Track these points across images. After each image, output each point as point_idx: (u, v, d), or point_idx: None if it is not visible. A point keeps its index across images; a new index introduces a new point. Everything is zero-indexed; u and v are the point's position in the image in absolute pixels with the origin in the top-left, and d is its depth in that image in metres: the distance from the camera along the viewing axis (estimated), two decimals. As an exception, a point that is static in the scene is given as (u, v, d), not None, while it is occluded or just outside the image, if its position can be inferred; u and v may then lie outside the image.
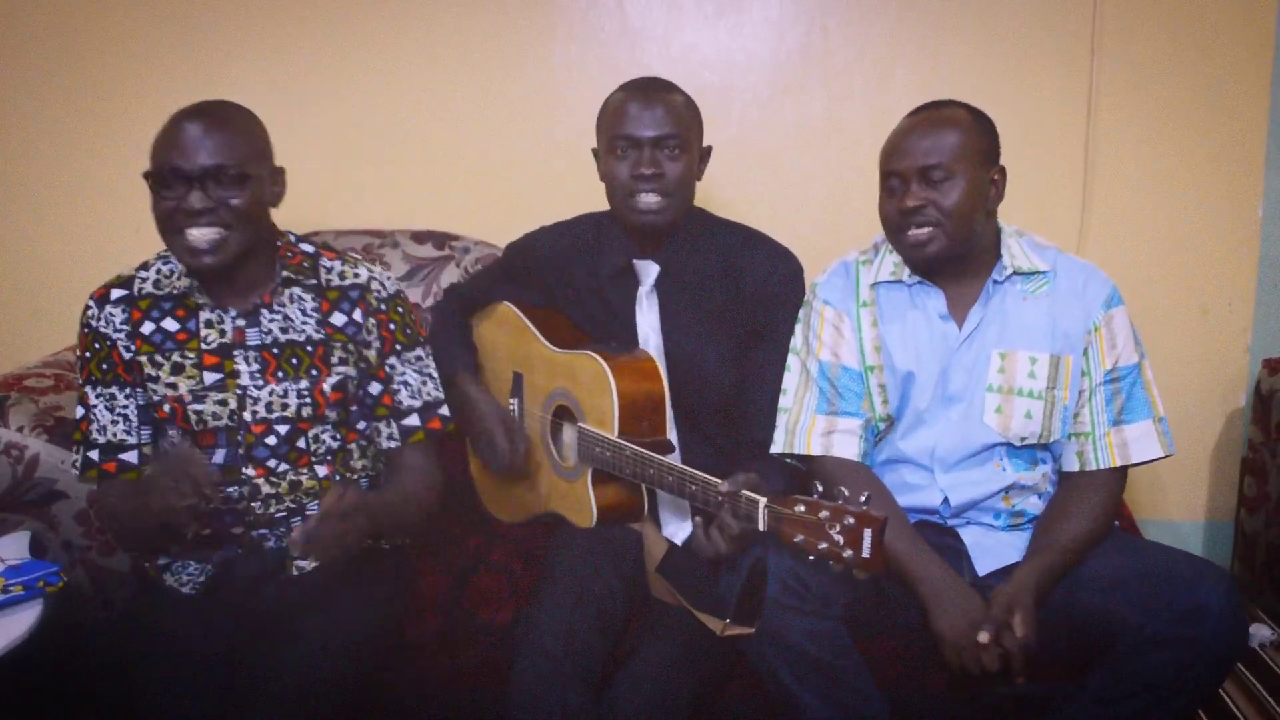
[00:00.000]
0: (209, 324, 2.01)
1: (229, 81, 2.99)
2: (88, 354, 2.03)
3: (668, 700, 1.95)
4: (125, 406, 2.02)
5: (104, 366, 2.02)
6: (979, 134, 2.05)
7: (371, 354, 2.09)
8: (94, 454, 2.02)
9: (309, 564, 2.05)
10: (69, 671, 1.82)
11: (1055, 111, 2.95)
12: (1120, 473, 2.09)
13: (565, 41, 2.96)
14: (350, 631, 1.91)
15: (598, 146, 2.25)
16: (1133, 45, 2.92)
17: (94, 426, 2.02)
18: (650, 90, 2.19)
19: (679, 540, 2.25)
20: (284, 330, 2.03)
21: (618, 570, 2.16)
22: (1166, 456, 2.10)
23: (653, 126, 2.15)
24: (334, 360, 2.06)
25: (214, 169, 1.88)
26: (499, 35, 2.97)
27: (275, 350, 2.02)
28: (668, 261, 2.26)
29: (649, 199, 2.16)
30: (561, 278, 2.38)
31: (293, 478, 2.05)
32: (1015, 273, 2.09)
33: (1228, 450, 3.11)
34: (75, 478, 2.05)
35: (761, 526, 1.82)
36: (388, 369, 2.10)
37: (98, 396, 2.02)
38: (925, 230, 2.01)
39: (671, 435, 2.22)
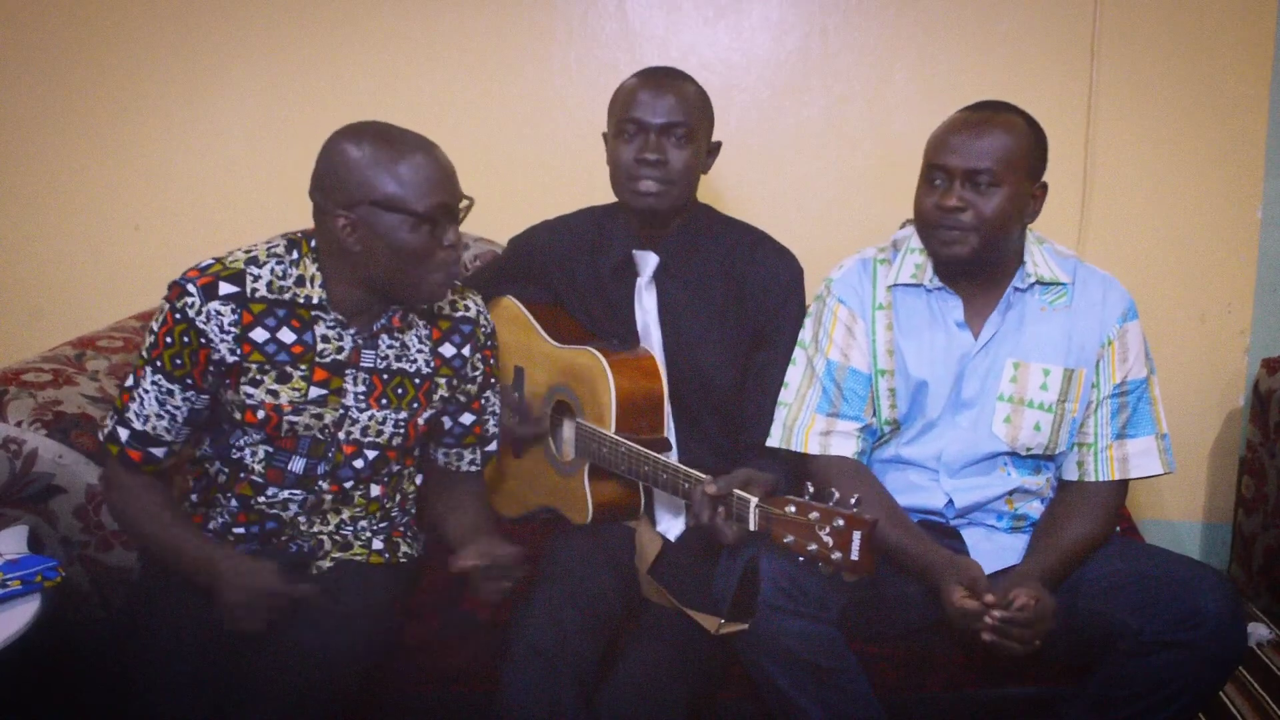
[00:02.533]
0: (325, 339, 1.97)
1: (229, 82, 3.00)
2: (169, 339, 1.89)
3: (660, 704, 1.94)
4: (179, 408, 1.93)
5: (178, 361, 1.90)
6: (1032, 145, 2.02)
7: (472, 388, 2.13)
8: (124, 432, 1.93)
9: (326, 564, 2.05)
10: (67, 666, 1.82)
11: (1055, 114, 2.94)
12: (1119, 485, 2.08)
13: (565, 43, 2.97)
14: (352, 634, 1.90)
15: (607, 130, 2.25)
16: (1132, 48, 2.93)
17: (135, 406, 1.92)
18: (663, 78, 2.19)
19: (672, 536, 2.25)
20: (398, 358, 2.03)
21: (612, 570, 2.15)
22: (1165, 474, 2.09)
23: (662, 113, 2.15)
24: (435, 397, 2.07)
25: (461, 206, 1.92)
26: (499, 35, 2.97)
27: (385, 376, 2.02)
28: (667, 253, 2.26)
29: (648, 184, 2.16)
30: (562, 271, 2.39)
31: (350, 492, 2.06)
32: (1037, 282, 2.07)
33: (1226, 451, 3.11)
34: (99, 439, 1.98)
35: (752, 526, 1.83)
36: (482, 401, 2.17)
37: (153, 384, 1.91)
38: (958, 233, 1.98)
39: (670, 433, 2.23)
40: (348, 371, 1.99)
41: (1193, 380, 3.03)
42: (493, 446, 2.23)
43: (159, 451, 1.95)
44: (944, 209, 1.98)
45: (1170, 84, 2.94)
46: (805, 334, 2.20)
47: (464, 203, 1.93)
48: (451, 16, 2.97)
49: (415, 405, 2.05)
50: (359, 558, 2.08)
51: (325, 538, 2.07)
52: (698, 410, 2.28)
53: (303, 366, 1.95)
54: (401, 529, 2.18)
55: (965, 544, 2.10)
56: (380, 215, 1.83)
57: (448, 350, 2.07)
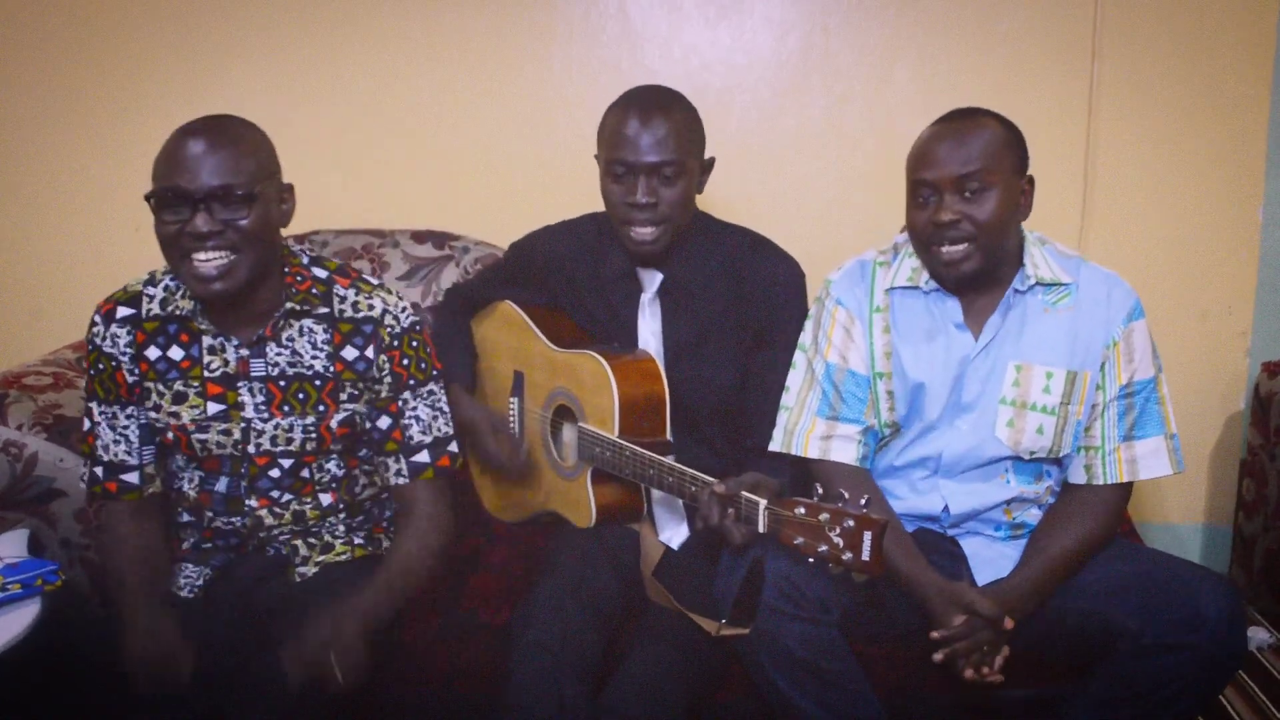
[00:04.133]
0: (212, 350, 1.97)
1: (229, 82, 2.99)
2: (92, 371, 2.00)
3: (662, 704, 1.94)
4: (126, 427, 2.01)
5: (106, 386, 1.99)
6: (1011, 143, 1.99)
7: (382, 389, 2.03)
8: (98, 470, 2.02)
9: (311, 570, 2.05)
10: (67, 670, 1.82)
11: (1056, 114, 2.95)
12: (1125, 488, 2.08)
13: (565, 42, 2.96)
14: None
15: (598, 155, 2.22)
16: (1133, 48, 2.92)
17: (98, 444, 2.01)
18: (649, 110, 2.13)
19: (675, 545, 2.26)
20: (291, 364, 1.99)
21: (614, 568, 2.16)
22: (1176, 474, 2.09)
23: (650, 152, 2.10)
24: (343, 397, 2.02)
25: (220, 189, 1.80)
26: (499, 35, 2.97)
27: (281, 383, 1.99)
28: (670, 270, 2.26)
29: (643, 231, 2.15)
30: (564, 278, 2.38)
31: (296, 507, 2.04)
32: (1038, 283, 2.05)
33: (1226, 453, 3.11)
34: (84, 490, 2.04)
35: (761, 528, 1.82)
36: (399, 403, 2.05)
37: (101, 414, 2.01)
38: (961, 247, 1.96)
39: (669, 436, 2.22)
40: (240, 384, 1.98)
41: (1193, 382, 3.02)
42: (422, 457, 2.06)
43: (131, 477, 2.02)
44: (939, 224, 1.95)
45: (1171, 83, 2.94)
46: (805, 336, 2.19)
47: (218, 186, 1.83)
48: (451, 16, 2.97)
49: (323, 408, 2.01)
50: (343, 556, 2.08)
51: (300, 543, 2.07)
52: (699, 418, 2.27)
53: (194, 383, 1.97)
54: (384, 525, 2.18)
55: (964, 552, 2.10)
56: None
57: (349, 354, 2.00)
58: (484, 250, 2.85)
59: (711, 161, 2.25)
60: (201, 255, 1.82)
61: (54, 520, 2.17)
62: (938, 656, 1.91)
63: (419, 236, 2.87)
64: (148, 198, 1.83)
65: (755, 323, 2.25)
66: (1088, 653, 1.96)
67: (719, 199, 2.79)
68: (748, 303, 2.25)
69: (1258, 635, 2.74)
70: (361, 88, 3.00)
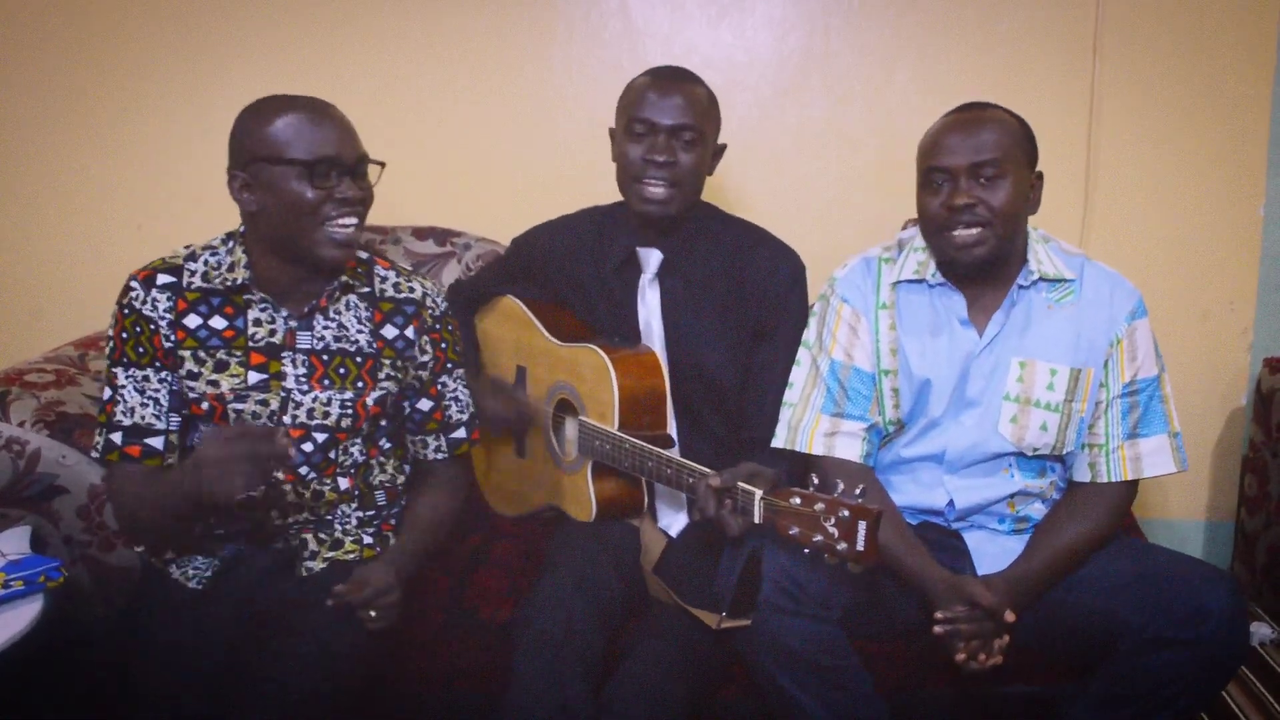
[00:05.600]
0: (258, 322, 1.99)
1: (229, 82, 2.99)
2: (124, 334, 1.97)
3: (663, 703, 1.94)
4: (157, 390, 1.98)
5: (140, 349, 1.97)
6: (1023, 136, 2.02)
7: (424, 373, 2.11)
8: (117, 436, 1.97)
9: (318, 565, 2.05)
10: (70, 667, 1.82)
11: (1057, 113, 2.95)
12: (1130, 485, 2.08)
13: (566, 42, 2.96)
14: (352, 632, 1.91)
15: (615, 127, 2.25)
16: (1134, 47, 2.92)
17: (120, 408, 1.97)
18: (675, 79, 2.20)
19: (674, 532, 2.26)
20: (337, 338, 2.02)
21: (616, 565, 2.16)
22: (1178, 472, 2.09)
23: (672, 114, 2.15)
24: (381, 375, 2.06)
25: (363, 159, 1.92)
26: (500, 34, 2.97)
27: (325, 357, 2.02)
28: (671, 250, 2.27)
29: (656, 189, 2.17)
30: (564, 272, 2.39)
31: (316, 487, 2.05)
32: (1041, 279, 2.06)
33: (1229, 450, 3.11)
34: (95, 460, 2.01)
35: (757, 519, 1.83)
36: (439, 386, 2.15)
37: (128, 378, 1.97)
38: (975, 231, 1.97)
39: (672, 430, 2.23)
40: (284, 354, 2.00)
41: (1195, 379, 3.02)
42: (459, 434, 2.19)
43: (155, 441, 1.99)
44: (954, 208, 1.96)
45: (1172, 83, 2.94)
46: (809, 334, 2.19)
47: (374, 168, 1.97)
48: (451, 16, 2.97)
49: (361, 385, 2.04)
50: (351, 555, 2.08)
51: (310, 536, 2.07)
52: (700, 407, 2.29)
53: (237, 352, 1.98)
54: (392, 522, 2.18)
55: (967, 545, 2.10)
56: (267, 169, 1.89)
57: (389, 332, 2.07)
58: (486, 246, 2.85)
59: (723, 148, 2.29)
60: (344, 220, 1.91)
61: (56, 517, 2.16)
62: (938, 630, 1.90)
63: (420, 233, 2.87)
64: (304, 166, 1.87)
65: (756, 318, 2.26)
66: (1089, 650, 1.96)
67: (720, 196, 2.79)
68: (748, 299, 2.26)
69: (1260, 631, 2.74)
70: (361, 88, 3.00)
